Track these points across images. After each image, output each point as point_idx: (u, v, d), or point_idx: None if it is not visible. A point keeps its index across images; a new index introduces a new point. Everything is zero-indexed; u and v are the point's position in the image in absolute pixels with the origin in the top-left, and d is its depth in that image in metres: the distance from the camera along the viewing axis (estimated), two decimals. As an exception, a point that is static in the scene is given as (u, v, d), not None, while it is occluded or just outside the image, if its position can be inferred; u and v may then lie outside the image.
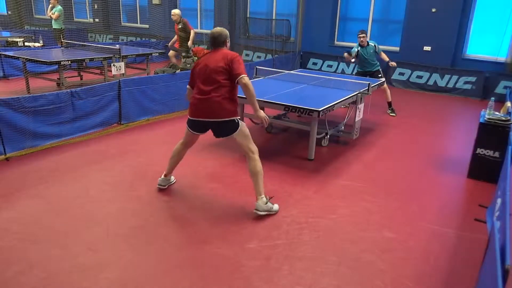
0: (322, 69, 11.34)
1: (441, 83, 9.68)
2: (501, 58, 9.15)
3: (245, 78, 3.46)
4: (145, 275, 2.76)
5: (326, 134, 5.46)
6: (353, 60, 7.64)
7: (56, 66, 7.41)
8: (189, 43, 8.85)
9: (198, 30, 13.50)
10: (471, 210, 3.88)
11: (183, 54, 8.97)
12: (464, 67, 9.51)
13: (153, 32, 13.83)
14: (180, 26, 8.87)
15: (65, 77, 7.49)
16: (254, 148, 3.61)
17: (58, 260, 2.87)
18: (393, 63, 7.60)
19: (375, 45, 7.57)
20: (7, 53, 8.07)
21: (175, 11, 8.85)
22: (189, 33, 8.86)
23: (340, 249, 3.15)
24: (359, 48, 7.51)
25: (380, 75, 7.62)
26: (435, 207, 3.93)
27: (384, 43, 10.70)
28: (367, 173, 4.70)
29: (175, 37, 9.12)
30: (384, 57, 7.69)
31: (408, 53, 10.09)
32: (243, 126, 3.62)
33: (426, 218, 3.71)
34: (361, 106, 5.65)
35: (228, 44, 3.68)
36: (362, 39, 7.43)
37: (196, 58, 7.76)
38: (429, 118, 7.32)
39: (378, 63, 7.64)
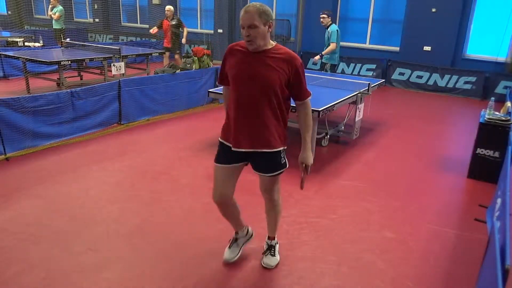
0: (322, 69, 11.33)
1: (441, 83, 9.69)
2: (501, 58, 9.16)
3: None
4: (145, 275, 2.76)
5: (326, 134, 5.46)
6: (317, 58, 7.21)
7: (56, 66, 7.41)
8: (183, 40, 9.12)
9: (198, 30, 13.54)
10: (471, 210, 3.88)
11: (177, 51, 9.07)
12: (464, 67, 9.52)
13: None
14: (173, 23, 9.06)
15: (65, 77, 7.49)
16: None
17: (58, 260, 2.87)
18: (316, 57, 7.06)
19: (330, 31, 6.92)
20: (7, 53, 8.07)
21: (170, 7, 9.08)
22: (182, 30, 9.14)
23: (340, 249, 3.15)
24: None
25: (324, 70, 7.11)
26: (435, 207, 3.93)
27: (384, 43, 10.73)
28: (367, 173, 4.70)
29: (155, 28, 9.27)
30: (327, 49, 6.95)
31: (408, 53, 10.09)
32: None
33: (426, 218, 3.71)
34: (361, 106, 5.65)
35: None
36: (322, 20, 6.96)
37: (195, 58, 7.75)
38: (429, 118, 7.32)
39: (330, 56, 7.09)
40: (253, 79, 2.42)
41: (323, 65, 7.44)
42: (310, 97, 2.56)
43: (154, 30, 9.32)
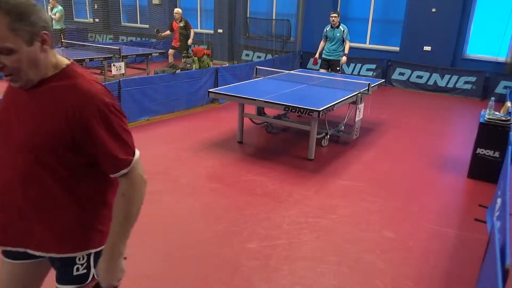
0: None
1: (441, 83, 9.68)
2: (501, 58, 9.15)
3: None
4: (145, 275, 2.76)
5: (326, 134, 5.46)
6: (344, 59, 7.50)
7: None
8: (190, 41, 9.49)
9: (198, 30, 13.54)
10: (471, 210, 3.88)
11: (184, 52, 9.26)
12: (464, 67, 9.51)
13: (153, 32, 13.85)
14: (181, 25, 9.53)
15: (65, 77, 7.48)
16: None
17: (58, 260, 2.87)
18: (344, 59, 7.48)
19: (344, 30, 7.37)
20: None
21: (179, 10, 9.62)
22: (189, 31, 9.56)
23: (340, 249, 3.15)
24: (327, 28, 7.49)
25: (338, 68, 7.47)
26: (435, 207, 3.93)
27: (384, 43, 10.72)
28: (367, 173, 4.70)
29: (167, 32, 9.83)
30: (346, 48, 7.49)
31: (408, 53, 10.08)
32: None
33: (426, 218, 3.71)
34: (361, 106, 5.65)
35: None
36: (333, 18, 7.33)
37: (196, 58, 7.76)
38: (429, 118, 7.32)
39: (341, 53, 7.51)
40: (13, 136, 1.33)
41: (327, 64, 7.63)
42: (129, 168, 1.47)
43: (165, 33, 9.82)
